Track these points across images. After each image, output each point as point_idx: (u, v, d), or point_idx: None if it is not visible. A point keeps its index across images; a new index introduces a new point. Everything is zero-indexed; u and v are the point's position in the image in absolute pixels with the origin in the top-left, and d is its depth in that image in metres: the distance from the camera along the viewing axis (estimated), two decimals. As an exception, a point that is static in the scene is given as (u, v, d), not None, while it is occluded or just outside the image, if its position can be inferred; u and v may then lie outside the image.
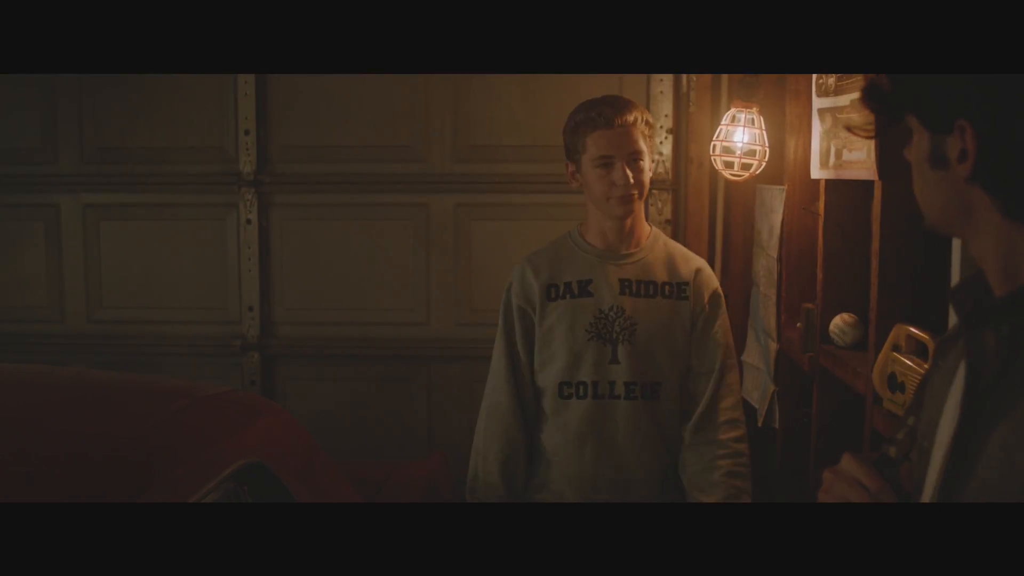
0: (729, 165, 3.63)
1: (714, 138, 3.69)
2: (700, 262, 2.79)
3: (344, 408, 4.52)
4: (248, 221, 4.48)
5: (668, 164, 4.28)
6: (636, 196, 2.63)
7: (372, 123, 4.44)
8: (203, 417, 2.27)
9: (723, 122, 3.66)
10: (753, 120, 3.58)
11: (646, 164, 2.65)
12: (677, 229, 4.30)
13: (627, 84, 4.26)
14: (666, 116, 4.25)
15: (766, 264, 3.67)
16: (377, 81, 4.35)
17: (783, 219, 3.41)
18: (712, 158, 3.71)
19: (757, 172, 3.61)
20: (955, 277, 1.84)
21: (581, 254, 2.73)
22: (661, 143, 4.27)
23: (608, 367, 2.66)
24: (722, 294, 2.79)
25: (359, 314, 4.52)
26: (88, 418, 2.16)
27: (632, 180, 2.60)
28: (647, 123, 2.65)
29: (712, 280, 2.77)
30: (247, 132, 4.44)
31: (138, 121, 4.51)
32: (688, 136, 4.28)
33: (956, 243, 1.83)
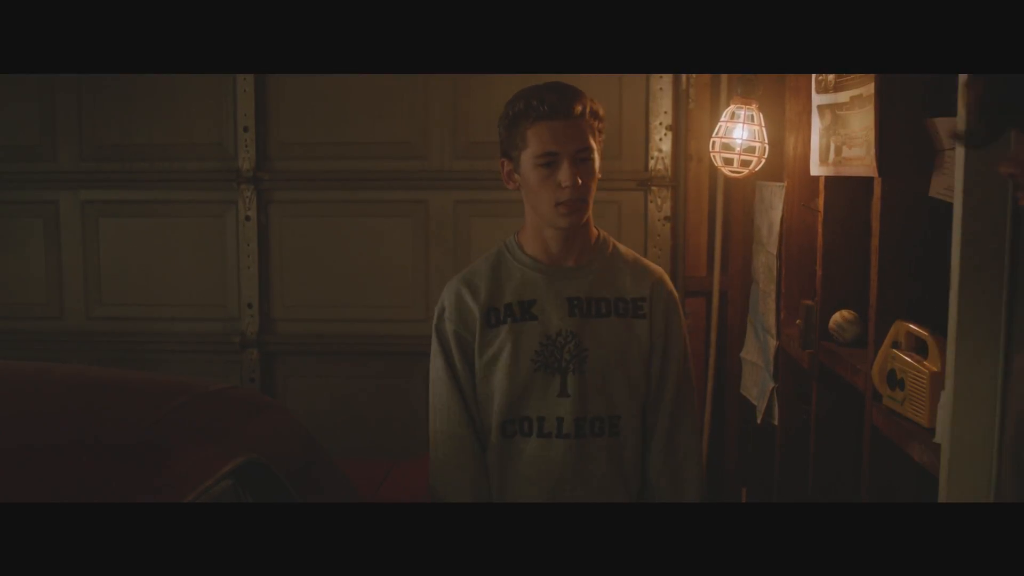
0: (728, 162, 3.63)
1: (713, 135, 3.68)
2: (657, 272, 2.44)
3: (343, 405, 4.51)
4: (247, 218, 4.48)
5: (667, 161, 4.27)
6: (583, 203, 2.28)
7: (371, 119, 4.43)
8: (202, 414, 2.27)
9: (722, 119, 3.66)
10: (752, 117, 3.58)
11: (596, 165, 2.29)
12: (676, 226, 4.30)
13: (626, 80, 4.26)
14: (665, 113, 4.25)
15: (765, 261, 3.67)
16: (376, 77, 4.35)
17: (783, 216, 3.41)
18: (711, 155, 3.71)
19: (756, 169, 3.61)
20: (955, 273, 1.84)
21: (521, 269, 2.37)
22: (660, 140, 4.26)
23: (555, 401, 2.31)
24: (681, 309, 2.46)
25: (358, 311, 4.51)
26: (87, 415, 2.15)
27: (580, 182, 2.24)
28: (597, 115, 2.29)
29: (671, 293, 2.42)
30: (246, 129, 4.43)
31: (137, 118, 4.51)
32: (687, 133, 4.27)
33: (956, 239, 1.83)
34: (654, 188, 4.27)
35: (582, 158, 2.25)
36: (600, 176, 2.34)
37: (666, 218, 4.29)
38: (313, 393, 4.52)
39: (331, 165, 4.46)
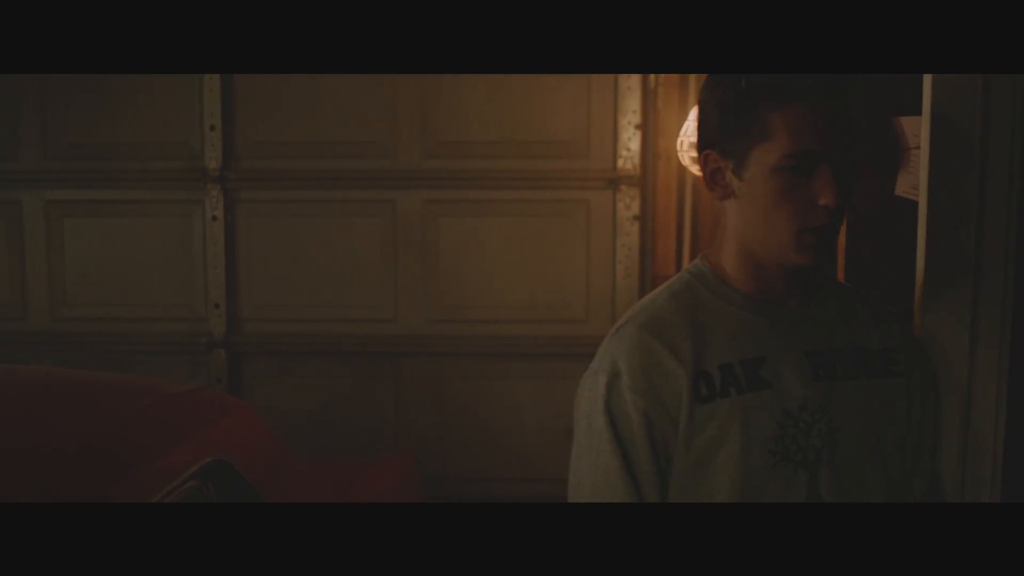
0: (696, 160, 3.64)
1: (681, 133, 3.69)
2: (899, 312, 1.74)
3: (311, 405, 4.50)
4: (214, 218, 4.45)
5: (636, 160, 4.29)
6: (837, 232, 1.55)
7: (339, 118, 4.42)
8: (169, 415, 2.25)
9: (691, 117, 3.67)
10: (720, 116, 3.59)
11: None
12: (645, 225, 4.31)
13: (595, 80, 4.27)
14: (634, 112, 4.26)
15: (733, 260, 3.68)
16: (344, 77, 4.34)
17: (750, 215, 3.42)
18: (679, 153, 3.71)
19: (724, 168, 3.62)
20: (921, 272, 1.85)
21: (731, 311, 1.56)
22: (629, 139, 4.28)
23: None
24: None
25: (326, 311, 4.50)
26: (53, 416, 2.14)
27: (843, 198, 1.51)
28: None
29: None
30: (212, 128, 4.41)
31: (102, 116, 4.47)
32: (656, 132, 4.29)
33: (921, 238, 1.84)
34: (623, 187, 4.28)
35: (846, 162, 1.54)
36: None
37: (635, 217, 4.30)
38: (281, 393, 4.50)
39: (299, 164, 4.44)
